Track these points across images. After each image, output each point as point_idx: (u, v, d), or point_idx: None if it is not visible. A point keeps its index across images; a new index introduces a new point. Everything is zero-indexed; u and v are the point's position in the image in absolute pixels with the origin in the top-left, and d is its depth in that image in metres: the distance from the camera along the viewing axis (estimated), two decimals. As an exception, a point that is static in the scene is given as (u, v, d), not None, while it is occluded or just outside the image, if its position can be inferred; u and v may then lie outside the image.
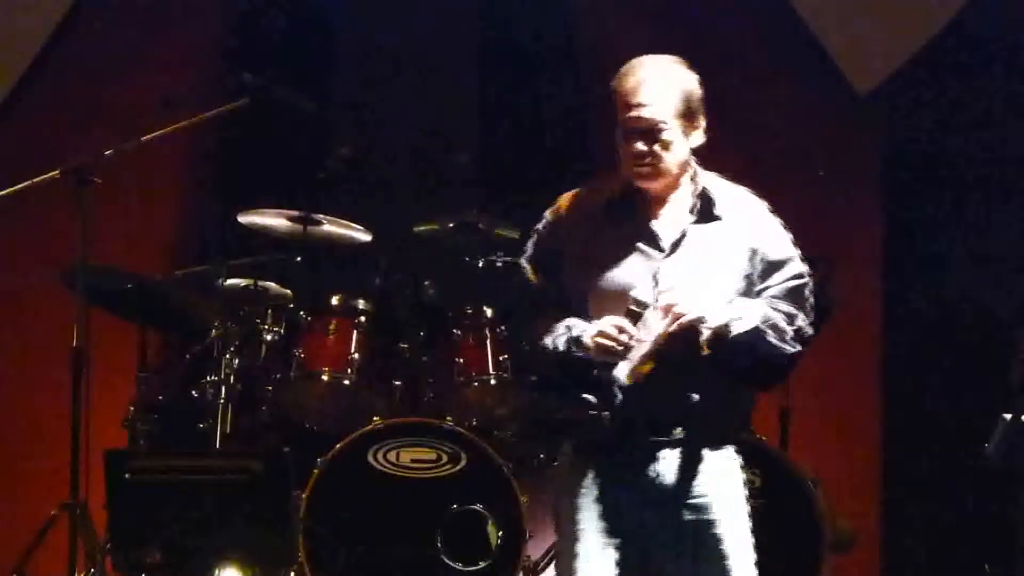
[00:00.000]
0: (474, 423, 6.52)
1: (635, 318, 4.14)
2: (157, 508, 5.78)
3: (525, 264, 4.43)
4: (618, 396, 4.23)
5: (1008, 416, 4.74)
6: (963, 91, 7.30)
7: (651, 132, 4.20)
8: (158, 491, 5.80)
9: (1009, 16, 7.22)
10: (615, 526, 4.23)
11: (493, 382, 6.54)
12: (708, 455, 4.26)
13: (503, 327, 6.56)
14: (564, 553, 4.30)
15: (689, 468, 4.23)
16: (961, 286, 7.30)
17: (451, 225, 6.73)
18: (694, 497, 4.24)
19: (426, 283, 6.71)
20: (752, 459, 5.04)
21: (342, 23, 7.78)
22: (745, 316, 4.20)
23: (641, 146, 4.22)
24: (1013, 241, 7.19)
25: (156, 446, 6.37)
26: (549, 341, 4.27)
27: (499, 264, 6.70)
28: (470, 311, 6.60)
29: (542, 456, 6.59)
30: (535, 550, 6.40)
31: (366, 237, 6.75)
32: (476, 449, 6.24)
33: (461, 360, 6.53)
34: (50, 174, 5.68)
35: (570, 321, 4.26)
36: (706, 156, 4.38)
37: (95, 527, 5.93)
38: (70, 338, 5.67)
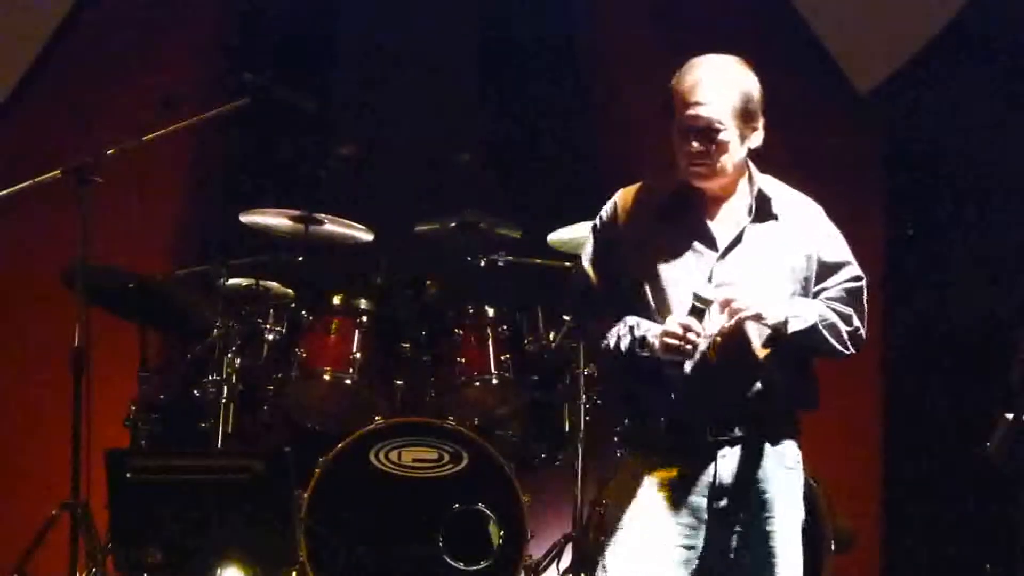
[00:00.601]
0: (476, 422, 6.52)
1: (699, 315, 4.10)
2: (158, 508, 5.77)
3: (585, 263, 4.36)
4: (676, 396, 4.20)
5: (1009, 416, 4.75)
6: (963, 91, 7.28)
7: (707, 132, 4.17)
8: (159, 491, 5.79)
9: (1009, 16, 7.21)
10: (673, 526, 4.20)
11: (495, 382, 6.54)
12: (768, 453, 4.23)
13: (504, 326, 6.57)
14: (619, 553, 4.24)
15: (748, 466, 4.20)
16: (961, 286, 7.29)
17: (452, 224, 6.72)
18: (752, 494, 4.21)
19: (427, 283, 6.72)
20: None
21: (342, 23, 7.77)
22: (803, 314, 4.18)
23: (697, 145, 4.18)
24: (1013, 241, 7.19)
25: (157, 445, 6.37)
26: (612, 341, 4.23)
27: (500, 263, 6.70)
28: (471, 311, 6.60)
29: (543, 456, 6.60)
30: (536, 550, 6.41)
31: (367, 236, 6.75)
32: (478, 449, 6.25)
33: (462, 360, 6.54)
34: (51, 174, 5.67)
35: (632, 320, 4.21)
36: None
37: (96, 527, 5.93)
38: (70, 338, 5.66)
